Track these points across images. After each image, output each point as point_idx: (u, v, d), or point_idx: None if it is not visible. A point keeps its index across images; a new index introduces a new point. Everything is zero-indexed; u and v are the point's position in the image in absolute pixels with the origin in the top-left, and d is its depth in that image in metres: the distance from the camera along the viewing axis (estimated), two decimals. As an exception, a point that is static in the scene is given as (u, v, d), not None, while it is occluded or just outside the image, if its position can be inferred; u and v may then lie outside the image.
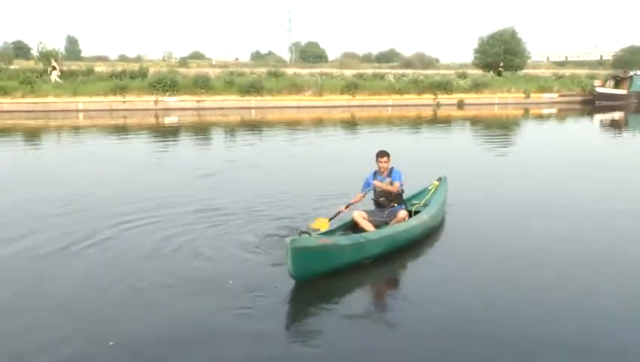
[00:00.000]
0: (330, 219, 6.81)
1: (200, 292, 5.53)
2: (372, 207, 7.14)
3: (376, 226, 6.75)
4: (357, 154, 13.40)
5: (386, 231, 6.39)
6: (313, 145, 17.68)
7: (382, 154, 6.96)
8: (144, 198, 9.40)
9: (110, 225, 7.73)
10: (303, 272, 5.41)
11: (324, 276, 5.60)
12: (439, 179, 8.24)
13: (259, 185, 10.55)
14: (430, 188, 8.10)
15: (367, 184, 7.04)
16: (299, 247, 5.32)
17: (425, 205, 7.68)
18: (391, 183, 6.85)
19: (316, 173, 12.06)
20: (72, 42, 77.93)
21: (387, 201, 6.93)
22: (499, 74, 39.87)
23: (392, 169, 6.94)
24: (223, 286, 5.63)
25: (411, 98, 34.06)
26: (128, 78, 31.30)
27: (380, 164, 6.94)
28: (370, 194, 7.20)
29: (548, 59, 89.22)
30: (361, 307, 5.32)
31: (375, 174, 7.01)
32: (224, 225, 7.71)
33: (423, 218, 6.97)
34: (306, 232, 5.53)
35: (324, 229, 6.57)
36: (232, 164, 13.57)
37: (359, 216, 6.74)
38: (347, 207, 6.95)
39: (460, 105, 34.19)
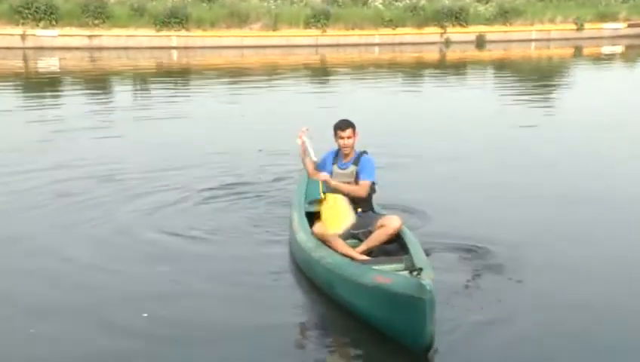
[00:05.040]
0: (325, 194, 6.67)
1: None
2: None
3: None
4: (324, 117, 13.32)
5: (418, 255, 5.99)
6: (261, 102, 17.62)
7: (343, 125, 6.62)
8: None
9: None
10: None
11: None
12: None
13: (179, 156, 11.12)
14: None
15: (324, 165, 6.82)
16: (433, 293, 4.86)
17: None
18: (356, 181, 6.60)
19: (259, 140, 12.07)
20: None
21: (350, 202, 6.65)
22: None
23: (361, 154, 6.66)
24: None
25: (408, 33, 34.04)
26: (-27, -2, 30.58)
27: (340, 140, 6.61)
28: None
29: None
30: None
31: (336, 156, 6.76)
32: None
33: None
34: (419, 269, 5.08)
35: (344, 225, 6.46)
36: (137, 127, 13.80)
37: (324, 229, 6.43)
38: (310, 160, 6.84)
39: (480, 43, 34.31)
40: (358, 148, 6.72)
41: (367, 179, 6.55)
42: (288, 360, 5.15)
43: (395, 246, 6.31)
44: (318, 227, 6.35)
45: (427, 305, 4.79)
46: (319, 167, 6.80)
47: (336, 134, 6.62)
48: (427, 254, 6.12)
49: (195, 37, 31.44)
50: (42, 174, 9.98)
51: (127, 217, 8.21)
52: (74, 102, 17.90)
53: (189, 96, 19.28)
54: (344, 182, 6.58)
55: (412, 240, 6.20)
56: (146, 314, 5.76)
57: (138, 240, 7.49)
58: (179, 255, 7.06)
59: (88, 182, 9.59)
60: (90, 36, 30.06)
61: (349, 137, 6.54)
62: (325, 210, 6.56)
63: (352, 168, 6.58)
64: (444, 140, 12.41)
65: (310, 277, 6.27)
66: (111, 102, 18.26)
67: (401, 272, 5.51)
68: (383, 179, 7.13)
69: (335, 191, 6.58)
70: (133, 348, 5.25)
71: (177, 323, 5.62)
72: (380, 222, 6.36)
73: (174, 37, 31.17)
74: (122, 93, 20.12)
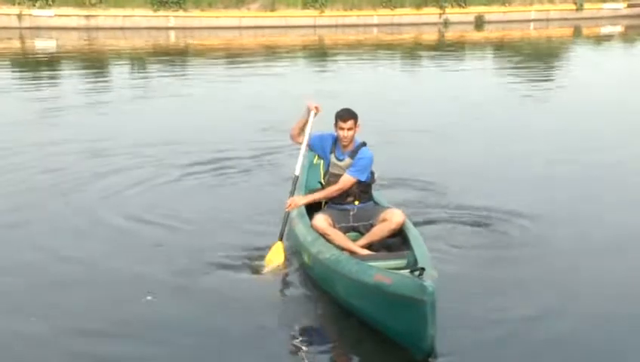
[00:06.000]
0: (281, 238, 6.37)
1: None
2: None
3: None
4: (324, 97, 13.26)
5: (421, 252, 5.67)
6: (260, 82, 17.53)
7: (345, 115, 6.21)
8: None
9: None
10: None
11: None
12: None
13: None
14: None
15: (322, 149, 6.49)
16: (434, 295, 4.61)
17: None
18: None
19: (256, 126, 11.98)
20: None
21: (346, 195, 6.33)
22: None
23: (361, 146, 6.33)
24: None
25: (407, 14, 33.92)
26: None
27: (340, 131, 6.25)
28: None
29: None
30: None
31: (334, 144, 6.42)
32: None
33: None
34: (421, 268, 4.77)
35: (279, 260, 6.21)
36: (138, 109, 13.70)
37: (325, 222, 6.10)
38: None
39: (479, 23, 34.20)
40: (359, 139, 6.33)
41: (353, 175, 6.20)
42: (283, 360, 4.95)
43: (397, 240, 6.07)
44: (317, 220, 6.06)
45: (428, 308, 4.57)
46: (315, 146, 6.54)
47: (336, 123, 6.26)
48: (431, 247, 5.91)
49: (193, 17, 31.27)
50: (31, 150, 10.02)
51: (115, 197, 8.10)
52: (69, 81, 17.88)
53: (186, 77, 19.17)
54: (340, 174, 6.26)
55: (415, 235, 5.95)
56: (149, 297, 5.61)
57: (123, 223, 7.27)
58: (164, 240, 6.86)
59: (76, 159, 9.55)
60: (86, 16, 29.88)
61: (349, 129, 6.18)
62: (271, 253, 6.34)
63: (347, 161, 6.26)
64: (443, 118, 12.37)
65: (308, 273, 6.02)
66: (106, 81, 18.12)
67: (403, 271, 5.23)
68: (383, 155, 7.04)
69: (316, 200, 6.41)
70: (118, 347, 5.01)
71: (165, 318, 5.35)
72: (382, 215, 6.12)
73: (172, 17, 31.00)
74: (118, 73, 20.01)
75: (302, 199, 6.43)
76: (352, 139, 6.27)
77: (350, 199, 6.30)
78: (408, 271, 4.86)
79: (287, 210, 6.37)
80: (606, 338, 5.08)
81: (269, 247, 6.29)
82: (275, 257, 6.27)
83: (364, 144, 6.31)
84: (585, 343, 5.04)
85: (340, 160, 6.31)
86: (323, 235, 5.95)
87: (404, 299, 4.67)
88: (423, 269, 4.71)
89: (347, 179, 6.18)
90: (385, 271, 5.15)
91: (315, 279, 5.89)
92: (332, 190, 6.25)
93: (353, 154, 6.24)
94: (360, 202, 6.30)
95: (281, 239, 6.34)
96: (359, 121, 6.24)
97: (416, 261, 5.41)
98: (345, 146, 6.30)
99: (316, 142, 6.49)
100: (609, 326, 5.23)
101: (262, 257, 6.25)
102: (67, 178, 8.76)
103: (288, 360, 4.97)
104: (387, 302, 4.85)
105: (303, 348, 5.14)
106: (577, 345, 5.03)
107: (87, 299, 5.65)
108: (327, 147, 6.42)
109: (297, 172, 6.59)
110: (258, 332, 5.17)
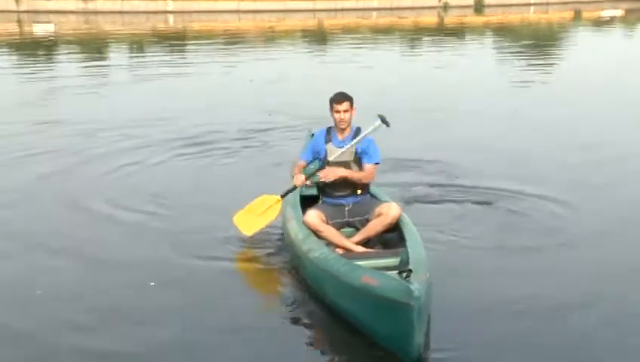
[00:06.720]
0: (283, 195, 6.13)
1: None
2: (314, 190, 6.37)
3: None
4: (320, 81, 13.25)
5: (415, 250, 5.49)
6: (255, 66, 17.44)
7: (340, 98, 6.08)
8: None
9: None
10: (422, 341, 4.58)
11: None
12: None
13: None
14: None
15: (312, 152, 6.47)
16: (422, 299, 4.43)
17: None
18: (356, 159, 6.24)
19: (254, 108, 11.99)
20: None
21: (346, 185, 6.23)
22: None
23: (358, 130, 6.17)
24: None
25: (407, -3, 33.96)
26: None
27: (336, 114, 6.10)
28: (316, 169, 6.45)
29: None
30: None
31: (329, 133, 6.28)
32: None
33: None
34: (408, 270, 4.57)
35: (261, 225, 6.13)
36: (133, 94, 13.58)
37: (317, 218, 5.99)
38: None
39: (478, 7, 34.21)
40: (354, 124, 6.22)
41: (372, 162, 6.09)
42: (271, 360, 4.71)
43: (394, 235, 5.86)
44: (309, 216, 5.88)
45: (415, 313, 4.33)
46: (312, 150, 6.30)
47: (332, 108, 6.10)
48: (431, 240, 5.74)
49: (192, 1, 31.25)
50: (23, 131, 9.90)
51: (103, 179, 7.81)
52: (66, 64, 17.79)
53: (183, 60, 19.06)
54: (343, 161, 6.07)
55: (411, 231, 5.74)
56: (153, 283, 5.38)
57: (111, 207, 6.99)
58: (154, 225, 6.58)
59: (67, 140, 9.37)
60: (85, 0, 29.86)
61: (345, 111, 6.01)
62: (254, 205, 6.25)
63: (350, 145, 6.06)
64: (442, 101, 12.27)
65: (300, 271, 5.81)
66: (103, 65, 17.99)
67: (392, 272, 4.91)
68: (386, 137, 6.97)
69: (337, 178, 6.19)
70: (103, 338, 4.73)
71: (149, 313, 5.11)
72: (377, 210, 5.94)
73: (170, 1, 30.98)
74: (116, 56, 19.93)
75: (338, 171, 6.05)
76: (349, 121, 6.13)
77: (353, 189, 6.22)
78: (397, 272, 4.66)
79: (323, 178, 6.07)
80: (620, 332, 4.70)
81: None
82: (267, 203, 6.26)
83: (359, 128, 6.27)
84: (598, 341, 4.61)
85: (341, 146, 6.21)
86: (315, 232, 5.81)
87: (389, 303, 4.49)
88: (410, 271, 4.52)
89: (370, 168, 6.09)
90: (372, 272, 4.97)
91: (305, 278, 5.72)
92: (363, 175, 6.11)
93: (353, 137, 6.21)
94: (362, 193, 6.16)
95: (282, 197, 6.21)
96: (355, 104, 6.19)
97: (408, 261, 5.22)
98: (343, 130, 6.17)
99: (309, 155, 6.33)
100: (623, 317, 4.91)
101: (249, 246, 6.15)
102: (54, 159, 8.52)
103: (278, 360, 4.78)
104: (374, 305, 4.68)
105: (292, 347, 4.95)
106: (586, 346, 4.58)
107: (77, 288, 5.44)
108: (320, 144, 6.31)
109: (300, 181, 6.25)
110: (247, 331, 4.95)
